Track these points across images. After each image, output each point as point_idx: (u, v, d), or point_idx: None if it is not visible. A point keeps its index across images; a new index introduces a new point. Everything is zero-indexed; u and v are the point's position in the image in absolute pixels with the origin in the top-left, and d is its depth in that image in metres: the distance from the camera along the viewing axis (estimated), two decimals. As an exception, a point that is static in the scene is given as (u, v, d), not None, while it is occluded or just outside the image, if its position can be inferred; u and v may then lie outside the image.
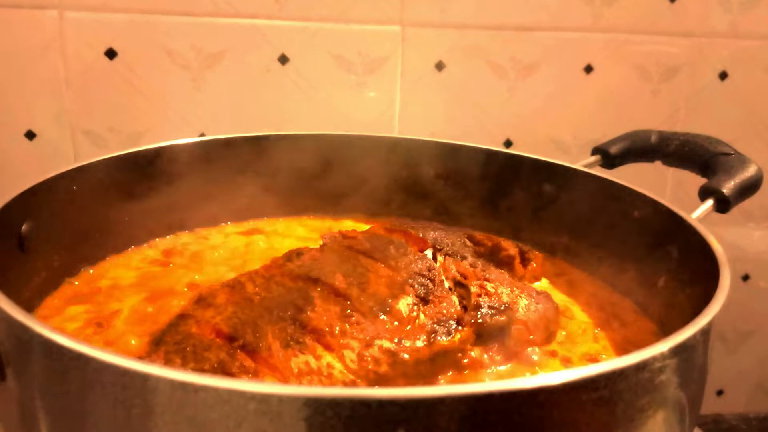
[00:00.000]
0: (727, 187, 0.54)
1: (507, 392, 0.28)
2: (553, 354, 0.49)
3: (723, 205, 0.54)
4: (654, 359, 0.34)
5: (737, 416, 1.06)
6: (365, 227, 0.64)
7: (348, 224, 0.71)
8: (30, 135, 0.80)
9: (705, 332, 0.38)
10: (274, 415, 0.28)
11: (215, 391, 0.28)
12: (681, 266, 0.52)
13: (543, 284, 0.60)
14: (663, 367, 0.35)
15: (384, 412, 0.27)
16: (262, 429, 0.28)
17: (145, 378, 0.28)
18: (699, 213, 0.52)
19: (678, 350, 0.35)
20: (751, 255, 0.99)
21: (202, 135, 0.81)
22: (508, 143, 0.89)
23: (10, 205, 0.47)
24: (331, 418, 0.27)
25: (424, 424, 0.28)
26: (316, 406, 0.27)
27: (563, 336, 0.52)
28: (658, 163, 0.68)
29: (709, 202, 0.54)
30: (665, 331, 0.53)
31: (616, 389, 0.33)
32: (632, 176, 0.62)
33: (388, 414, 0.28)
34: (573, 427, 0.32)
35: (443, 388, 0.28)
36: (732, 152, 0.58)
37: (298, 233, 0.70)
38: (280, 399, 0.27)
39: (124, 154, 0.60)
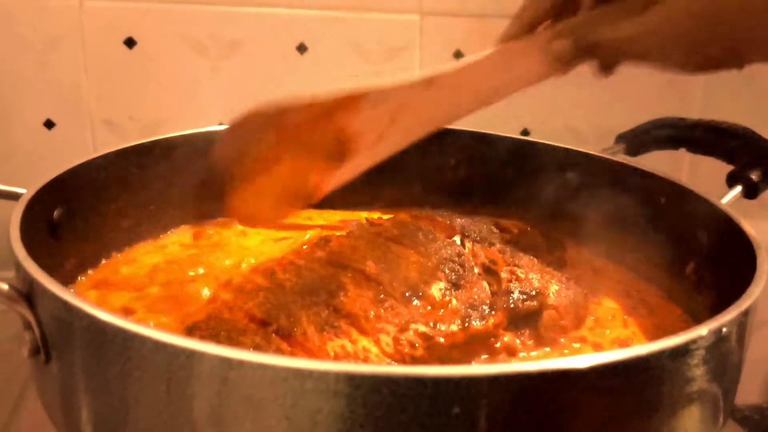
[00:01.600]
0: (756, 173, 0.54)
1: (563, 371, 0.29)
2: (583, 340, 0.50)
3: (752, 190, 0.54)
4: (694, 342, 0.34)
5: (751, 407, 1.06)
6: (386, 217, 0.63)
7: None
8: (49, 124, 0.80)
9: (745, 316, 0.38)
10: (330, 393, 0.28)
11: (273, 369, 0.28)
12: (711, 253, 0.52)
13: (567, 271, 0.60)
14: (702, 352, 0.35)
15: (440, 391, 0.28)
16: (318, 407, 0.28)
17: (201, 356, 0.28)
18: (728, 199, 0.52)
19: (717, 335, 0.35)
20: (765, 245, 0.99)
21: (221, 124, 0.81)
22: (525, 133, 0.89)
23: (42, 191, 0.47)
24: (387, 396, 0.28)
25: (480, 403, 0.28)
26: (373, 384, 0.27)
27: (592, 322, 0.52)
28: (673, 154, 0.68)
29: (738, 188, 0.54)
30: (694, 318, 0.53)
31: (660, 370, 0.33)
32: (648, 165, 0.62)
33: (444, 392, 0.28)
34: (620, 407, 0.32)
35: (499, 367, 0.28)
36: (759, 138, 0.58)
37: (318, 223, 0.69)
38: (337, 376, 0.27)
39: (153, 141, 0.60)
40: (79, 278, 0.54)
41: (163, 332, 0.29)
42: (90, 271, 0.55)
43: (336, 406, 0.28)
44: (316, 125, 0.46)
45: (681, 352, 0.33)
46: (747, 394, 1.05)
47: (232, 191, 0.48)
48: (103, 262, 0.57)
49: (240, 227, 0.64)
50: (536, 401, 0.29)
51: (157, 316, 0.50)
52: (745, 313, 0.38)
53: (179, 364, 0.29)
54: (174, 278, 0.55)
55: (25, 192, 0.46)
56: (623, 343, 0.50)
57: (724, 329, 0.36)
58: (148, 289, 0.53)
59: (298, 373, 0.28)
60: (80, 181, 0.53)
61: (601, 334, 0.51)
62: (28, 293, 0.35)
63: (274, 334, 0.43)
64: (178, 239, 0.62)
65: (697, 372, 0.35)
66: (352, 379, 0.27)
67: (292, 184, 0.49)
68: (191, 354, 0.29)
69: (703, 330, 0.35)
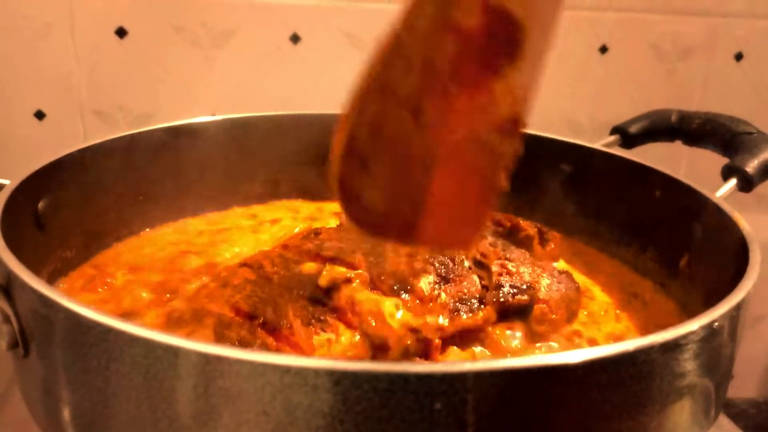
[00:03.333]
0: (751, 166, 0.53)
1: (545, 367, 0.28)
2: (577, 334, 0.49)
3: (746, 184, 0.53)
4: (684, 337, 0.33)
5: (747, 401, 1.06)
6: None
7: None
8: (39, 115, 0.79)
9: (737, 310, 0.37)
10: (309, 388, 0.27)
11: (250, 364, 0.27)
12: (705, 246, 0.51)
13: (561, 265, 0.60)
14: (693, 347, 0.34)
15: (421, 386, 0.27)
16: (297, 402, 0.27)
17: (177, 351, 0.28)
18: (723, 192, 0.52)
19: (709, 329, 0.35)
20: (763, 240, 0.99)
21: (213, 114, 0.80)
22: (521, 125, 0.88)
23: (26, 183, 0.46)
24: (367, 392, 0.27)
25: (462, 398, 0.27)
26: (353, 379, 0.27)
27: (585, 316, 0.51)
28: (672, 146, 0.67)
29: (733, 181, 0.53)
30: (687, 312, 0.52)
31: (650, 365, 0.32)
32: (646, 158, 0.61)
33: (426, 388, 0.27)
34: (609, 402, 0.31)
35: (481, 363, 0.27)
36: (754, 131, 0.57)
37: (309, 215, 0.69)
38: (317, 372, 0.27)
39: (142, 132, 0.59)
40: (68, 273, 0.54)
41: (139, 326, 0.29)
42: (79, 266, 0.55)
43: (315, 402, 0.27)
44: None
45: (671, 347, 0.33)
46: (742, 389, 1.06)
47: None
48: (92, 256, 0.56)
49: (224, 225, 0.63)
50: (522, 398, 0.28)
51: (150, 309, 0.49)
52: (737, 307, 0.37)
53: (156, 358, 0.28)
54: (163, 272, 0.54)
55: (8, 183, 0.45)
56: (617, 338, 0.49)
57: (716, 324, 0.35)
58: (138, 284, 0.52)
59: (277, 369, 0.27)
60: (67, 173, 0.52)
61: (594, 329, 0.50)
62: (6, 285, 0.35)
63: (259, 328, 0.42)
64: (166, 234, 0.61)
65: (688, 366, 0.34)
66: (331, 374, 0.27)
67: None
68: (167, 348, 0.28)
69: (693, 325, 0.34)
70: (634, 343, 0.31)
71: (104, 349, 0.30)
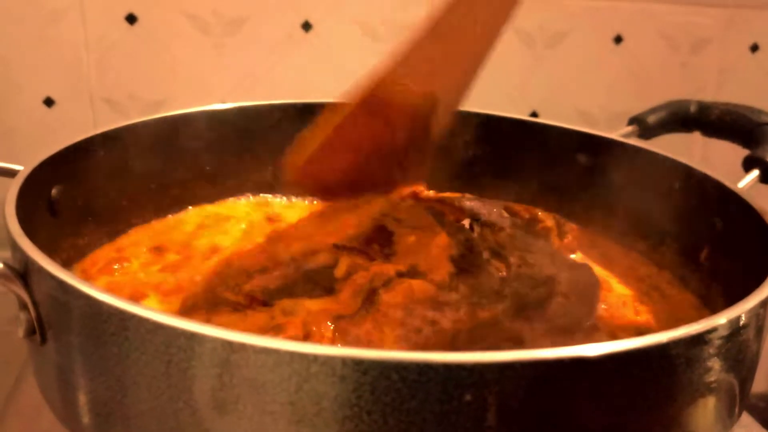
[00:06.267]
0: (774, 158, 0.52)
1: (580, 358, 0.27)
2: (595, 328, 0.48)
3: (769, 175, 0.52)
4: (713, 330, 0.33)
5: (757, 395, 1.05)
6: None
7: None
8: (48, 102, 0.78)
9: (764, 306, 0.36)
10: (336, 378, 0.26)
11: (276, 352, 0.26)
12: (726, 238, 0.50)
13: (578, 257, 0.59)
14: (720, 341, 0.34)
15: (451, 377, 0.26)
16: (324, 392, 0.27)
17: (201, 339, 0.27)
18: (745, 183, 0.51)
19: (736, 324, 0.34)
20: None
21: (223, 102, 0.80)
22: (534, 115, 0.87)
23: (40, 168, 0.46)
24: (396, 382, 0.26)
25: (492, 390, 0.27)
26: (382, 369, 0.26)
27: (603, 309, 0.51)
28: (686, 137, 0.66)
29: (755, 173, 0.52)
30: (708, 306, 0.51)
31: (678, 359, 0.31)
32: (661, 149, 0.60)
33: (456, 378, 0.26)
34: (638, 396, 0.31)
35: (512, 354, 0.27)
36: (776, 122, 0.56)
37: (322, 204, 0.68)
38: (344, 361, 0.26)
39: (155, 119, 0.59)
40: (80, 260, 0.53)
41: (162, 313, 0.28)
42: (92, 253, 0.54)
43: (342, 392, 0.27)
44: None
45: (699, 340, 0.32)
46: (755, 383, 1.05)
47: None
48: (105, 243, 0.56)
49: (236, 215, 0.63)
50: (551, 389, 0.28)
51: (163, 296, 0.49)
52: (765, 303, 0.36)
53: (179, 347, 0.28)
54: (177, 259, 0.54)
55: (23, 169, 0.44)
56: (636, 331, 0.49)
57: (743, 319, 0.35)
58: (151, 271, 0.52)
59: (303, 358, 0.26)
60: (80, 159, 0.51)
61: (613, 322, 0.49)
62: (23, 272, 0.34)
63: (275, 317, 0.42)
64: (178, 222, 0.61)
65: (714, 362, 0.34)
66: (359, 364, 0.26)
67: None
68: (191, 336, 0.27)
69: (721, 319, 0.33)
70: (663, 336, 0.30)
71: (125, 337, 0.30)
